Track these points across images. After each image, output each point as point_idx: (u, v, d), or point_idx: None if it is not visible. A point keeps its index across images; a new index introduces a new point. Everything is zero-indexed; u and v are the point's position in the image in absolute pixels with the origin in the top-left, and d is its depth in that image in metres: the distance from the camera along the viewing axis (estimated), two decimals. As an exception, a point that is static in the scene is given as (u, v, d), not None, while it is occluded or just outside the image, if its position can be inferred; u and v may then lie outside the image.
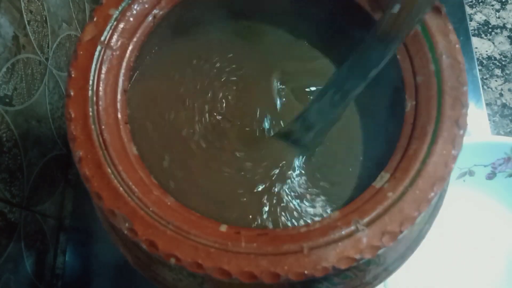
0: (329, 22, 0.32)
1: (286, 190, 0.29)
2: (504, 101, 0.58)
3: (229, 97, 0.31)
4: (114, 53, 0.26)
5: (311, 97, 0.31)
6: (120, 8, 0.27)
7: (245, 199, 0.28)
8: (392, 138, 0.26)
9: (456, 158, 0.23)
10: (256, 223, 0.28)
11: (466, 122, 0.24)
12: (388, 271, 0.28)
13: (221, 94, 0.31)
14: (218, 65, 0.32)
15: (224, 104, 0.31)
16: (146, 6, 0.27)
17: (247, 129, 0.31)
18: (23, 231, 0.43)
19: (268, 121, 0.31)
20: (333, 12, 0.31)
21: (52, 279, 0.48)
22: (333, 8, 0.31)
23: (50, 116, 0.48)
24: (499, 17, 0.62)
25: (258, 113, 0.31)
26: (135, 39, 0.27)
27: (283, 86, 0.32)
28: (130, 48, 0.27)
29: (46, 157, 0.47)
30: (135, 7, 0.27)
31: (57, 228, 0.50)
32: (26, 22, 0.42)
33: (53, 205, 0.49)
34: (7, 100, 0.40)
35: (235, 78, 0.32)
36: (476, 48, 0.61)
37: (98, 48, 0.26)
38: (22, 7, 0.42)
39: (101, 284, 0.48)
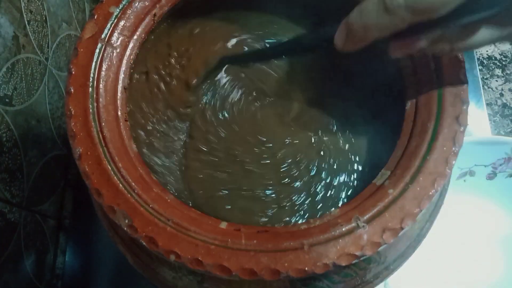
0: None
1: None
2: (504, 101, 0.58)
3: (232, 92, 0.31)
4: (114, 51, 0.26)
5: None
6: (120, 6, 0.27)
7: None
8: (392, 135, 0.26)
9: (457, 155, 0.23)
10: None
11: (466, 118, 0.24)
12: (389, 270, 0.28)
13: (224, 91, 0.31)
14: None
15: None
16: (147, 3, 0.27)
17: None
18: (23, 231, 0.43)
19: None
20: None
21: (52, 279, 0.48)
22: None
23: (50, 116, 0.48)
24: (499, 18, 0.62)
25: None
26: (135, 37, 0.27)
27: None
28: (130, 45, 0.27)
29: (46, 157, 0.47)
30: (136, 4, 0.27)
31: (57, 228, 0.50)
32: (26, 22, 0.42)
33: (53, 205, 0.49)
34: (7, 100, 0.40)
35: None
36: (477, 48, 0.60)
37: (99, 45, 0.26)
38: (22, 7, 0.42)
39: (101, 284, 0.48)
